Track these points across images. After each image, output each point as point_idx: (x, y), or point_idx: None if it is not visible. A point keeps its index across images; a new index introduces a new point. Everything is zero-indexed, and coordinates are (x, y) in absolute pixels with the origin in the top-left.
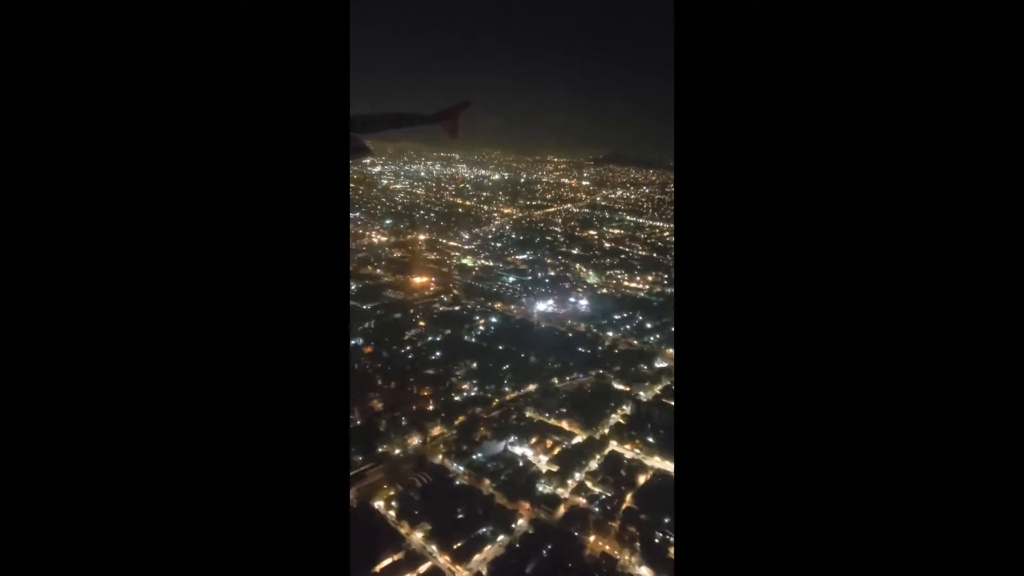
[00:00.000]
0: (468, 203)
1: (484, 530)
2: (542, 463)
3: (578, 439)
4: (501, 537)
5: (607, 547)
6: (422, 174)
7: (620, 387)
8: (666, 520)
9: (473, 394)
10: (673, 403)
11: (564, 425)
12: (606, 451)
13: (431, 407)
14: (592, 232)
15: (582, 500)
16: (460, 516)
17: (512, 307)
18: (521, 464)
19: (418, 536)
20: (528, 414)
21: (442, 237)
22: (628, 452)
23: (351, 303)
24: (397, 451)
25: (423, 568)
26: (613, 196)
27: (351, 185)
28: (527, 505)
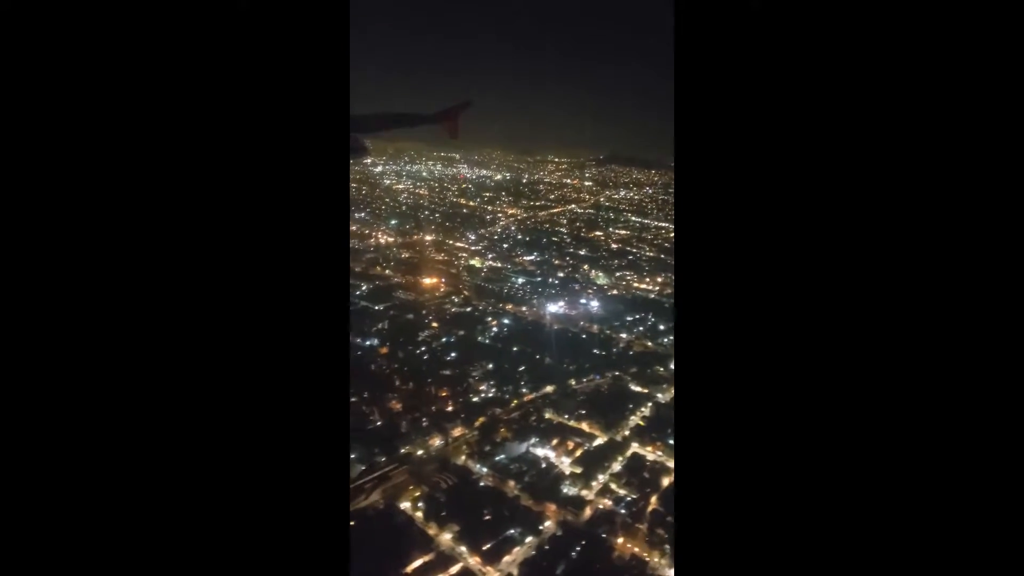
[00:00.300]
0: (472, 204)
1: (512, 531)
2: (565, 465)
3: (599, 441)
4: (529, 539)
5: (636, 549)
6: (424, 174)
7: (637, 389)
8: None
9: (491, 395)
10: None
11: (584, 427)
12: (628, 453)
13: (450, 408)
14: (598, 233)
15: (608, 502)
16: (487, 517)
17: (523, 308)
18: (544, 466)
19: (447, 537)
20: (547, 415)
21: (448, 238)
22: (650, 454)
23: (363, 304)
24: (420, 452)
25: (454, 569)
26: (617, 196)
27: (354, 185)
28: (553, 507)
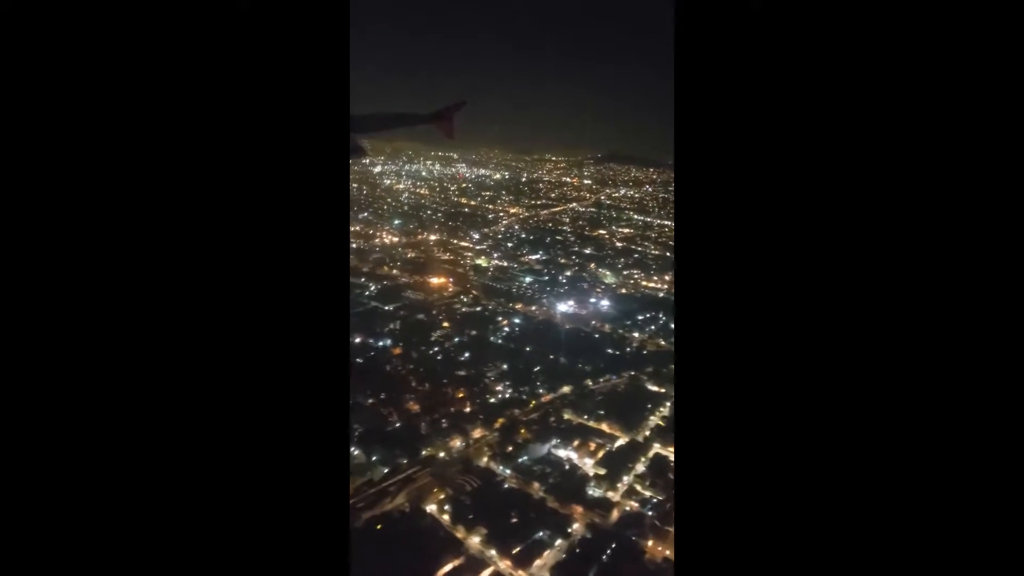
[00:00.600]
0: (473, 203)
1: (541, 534)
2: (588, 466)
3: (621, 442)
4: (559, 542)
5: (668, 552)
6: (423, 174)
7: (655, 388)
8: None
9: (508, 396)
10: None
11: (604, 427)
12: (651, 454)
13: (468, 409)
14: (602, 231)
15: (634, 504)
16: (514, 520)
17: (533, 308)
18: (567, 467)
19: (475, 540)
20: (566, 416)
21: (452, 237)
22: (673, 455)
23: (373, 304)
24: (442, 454)
25: (486, 573)
26: (617, 195)
27: (355, 185)
28: (580, 509)
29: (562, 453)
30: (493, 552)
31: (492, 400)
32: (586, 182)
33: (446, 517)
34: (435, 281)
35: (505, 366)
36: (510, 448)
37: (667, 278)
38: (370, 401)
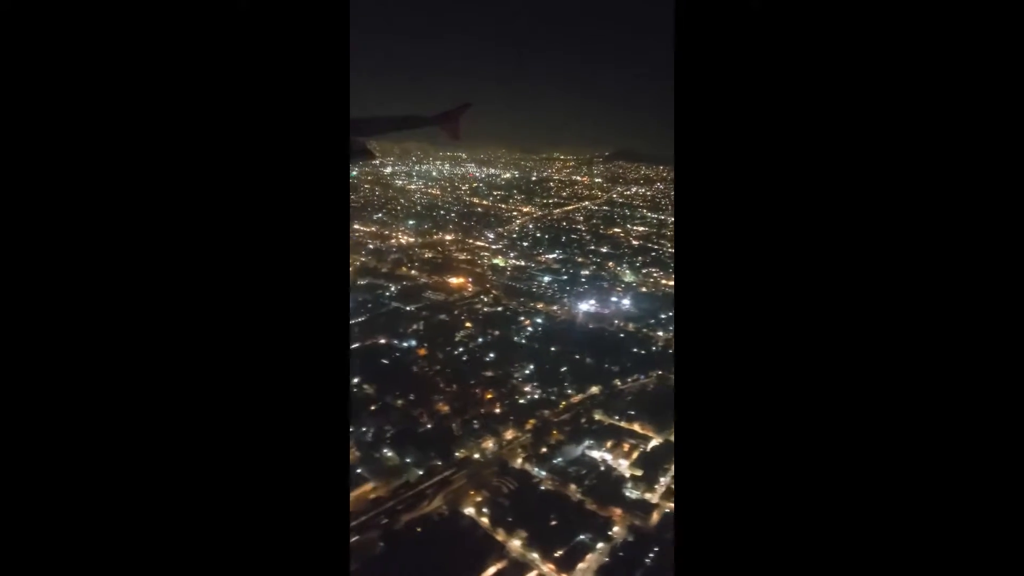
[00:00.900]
0: (485, 202)
1: (583, 537)
2: (623, 467)
3: (655, 442)
4: (601, 545)
5: None
6: (433, 174)
7: None
8: None
9: (537, 396)
10: None
11: (636, 428)
12: None
13: (498, 410)
14: (617, 230)
15: (674, 505)
16: (554, 523)
17: (555, 307)
18: (603, 468)
19: (516, 544)
20: (597, 417)
21: (468, 237)
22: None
23: (395, 305)
24: (476, 455)
25: None
26: (629, 193)
27: (367, 186)
28: (619, 511)
29: (596, 454)
30: (535, 555)
31: (521, 401)
32: (597, 180)
33: (485, 520)
34: (454, 281)
35: (531, 366)
36: (544, 449)
37: None
38: (399, 402)
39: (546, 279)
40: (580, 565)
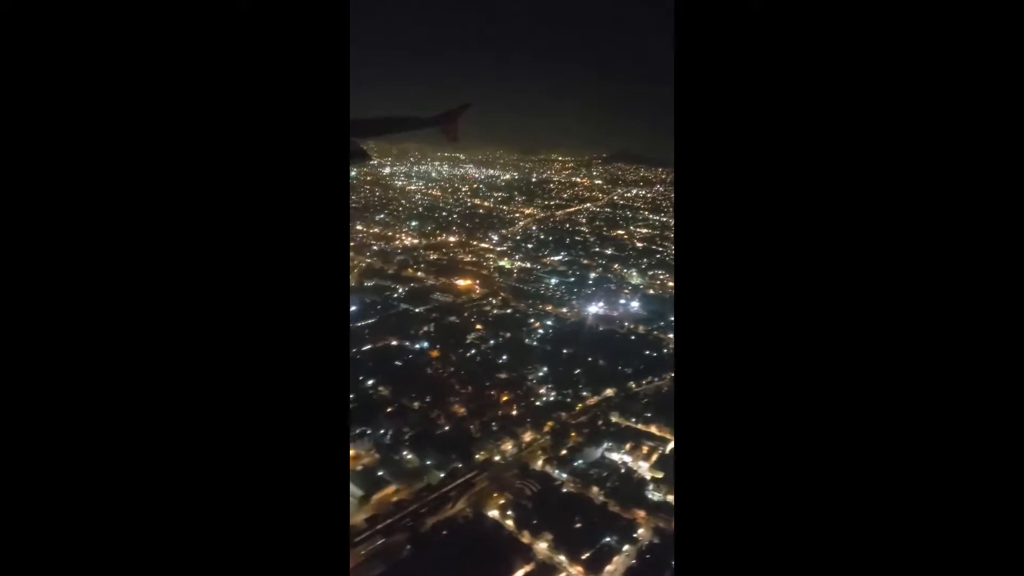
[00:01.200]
0: (487, 204)
1: (608, 539)
2: (643, 469)
3: (673, 444)
4: (627, 547)
5: None
6: (433, 175)
7: None
8: None
9: (552, 399)
10: None
11: (654, 430)
12: None
13: (514, 412)
14: (621, 232)
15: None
16: (578, 525)
17: (564, 310)
18: (623, 471)
19: (542, 546)
20: (614, 419)
21: (471, 239)
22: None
23: (404, 306)
24: (496, 458)
25: None
26: (629, 195)
27: (367, 187)
28: (642, 513)
29: (615, 456)
30: (563, 558)
31: (537, 403)
32: (597, 182)
33: (510, 522)
34: (461, 283)
35: (545, 368)
36: (563, 452)
37: None
38: (416, 404)
39: (553, 281)
40: (608, 568)
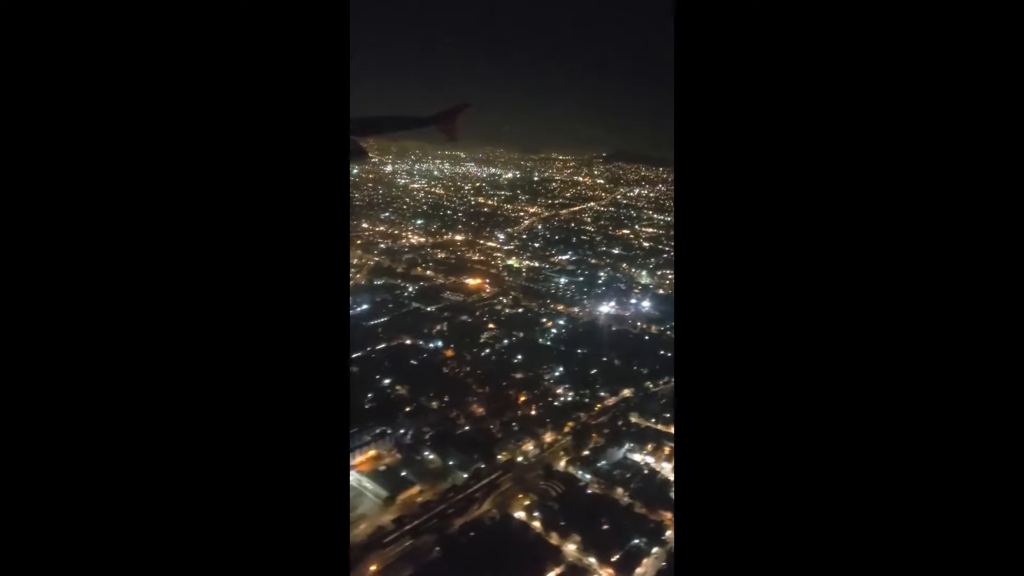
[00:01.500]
0: (491, 202)
1: (637, 541)
2: (667, 470)
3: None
4: (656, 549)
5: None
6: (435, 173)
7: None
8: None
9: (570, 399)
10: None
11: (674, 430)
12: None
13: (533, 412)
14: (626, 231)
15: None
16: (606, 527)
17: (575, 309)
18: (647, 471)
19: (571, 548)
20: (633, 420)
21: (478, 237)
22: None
23: (415, 305)
24: (519, 459)
25: None
26: (632, 194)
27: (370, 185)
28: (669, 515)
29: (638, 457)
30: (592, 560)
31: (556, 403)
32: (599, 181)
33: (537, 523)
34: (471, 282)
35: (561, 368)
36: (585, 452)
37: None
38: (434, 404)
39: (563, 280)
40: (638, 570)
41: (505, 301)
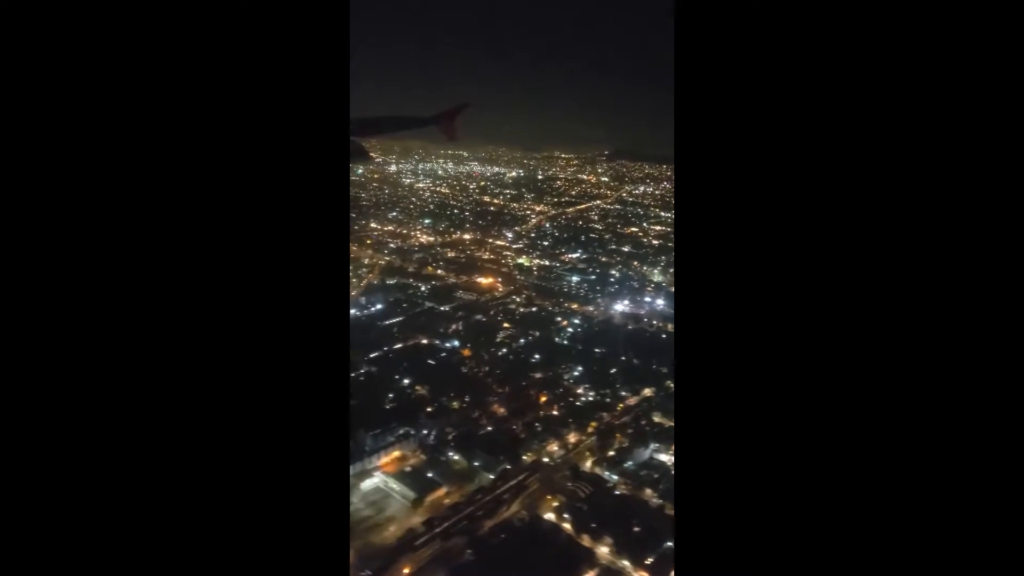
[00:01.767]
0: (497, 201)
1: (670, 544)
2: None
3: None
4: None
5: None
6: (439, 172)
7: None
8: None
9: (591, 399)
10: None
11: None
12: None
13: (555, 412)
14: (635, 229)
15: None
16: (637, 529)
17: (590, 308)
18: (674, 472)
19: (604, 551)
20: (656, 419)
21: (486, 236)
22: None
23: (429, 304)
24: (544, 459)
25: None
26: (638, 192)
27: (375, 185)
28: None
29: (664, 458)
30: (626, 563)
31: (577, 403)
32: (603, 179)
33: (567, 525)
34: (484, 281)
35: (580, 368)
36: (611, 453)
37: None
38: (455, 404)
39: (575, 279)
40: (672, 573)
41: (518, 300)
